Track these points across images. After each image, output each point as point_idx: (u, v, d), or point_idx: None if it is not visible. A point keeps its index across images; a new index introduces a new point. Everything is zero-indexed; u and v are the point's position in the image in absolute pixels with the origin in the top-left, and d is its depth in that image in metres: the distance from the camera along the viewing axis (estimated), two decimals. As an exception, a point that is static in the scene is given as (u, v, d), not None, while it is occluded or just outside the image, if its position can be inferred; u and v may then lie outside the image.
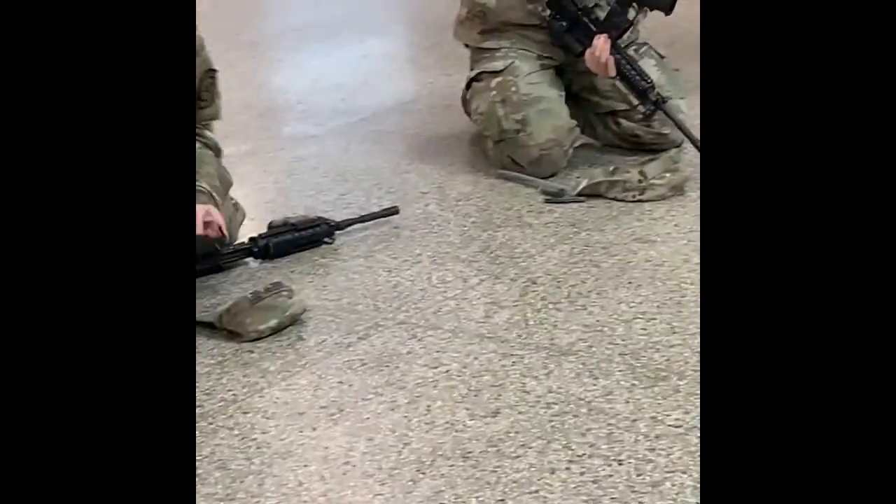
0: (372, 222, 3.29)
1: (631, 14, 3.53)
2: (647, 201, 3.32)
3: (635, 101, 3.55)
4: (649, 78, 3.54)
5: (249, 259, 3.10)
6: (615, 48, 3.48)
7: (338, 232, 3.15)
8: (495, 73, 3.63)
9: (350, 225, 3.16)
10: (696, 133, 3.46)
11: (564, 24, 3.56)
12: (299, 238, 3.09)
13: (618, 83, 3.56)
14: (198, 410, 2.49)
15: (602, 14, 3.60)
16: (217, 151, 3.27)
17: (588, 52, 3.49)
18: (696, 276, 2.80)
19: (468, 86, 3.73)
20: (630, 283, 2.84)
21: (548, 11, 3.60)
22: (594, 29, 3.48)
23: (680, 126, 3.52)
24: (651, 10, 3.80)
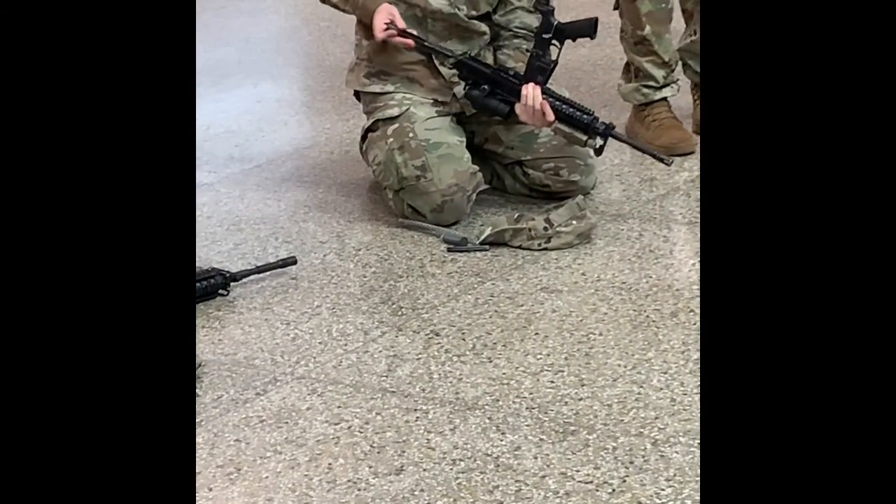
0: (269, 273, 3.26)
1: (553, 53, 3.54)
2: (553, 249, 3.33)
3: (583, 138, 3.51)
4: (590, 110, 3.54)
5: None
6: (545, 92, 3.48)
7: (233, 283, 3.11)
8: (391, 119, 3.63)
9: (246, 276, 3.13)
10: (652, 149, 3.58)
11: (485, 87, 3.57)
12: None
13: (559, 125, 3.52)
14: None
15: (514, 64, 3.62)
16: None
17: (518, 106, 3.50)
18: (605, 327, 2.87)
19: (364, 137, 3.74)
20: (537, 334, 2.85)
21: (461, 84, 3.63)
22: (518, 83, 3.49)
23: (638, 146, 3.58)
24: (574, 40, 3.81)
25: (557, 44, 3.52)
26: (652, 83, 4.10)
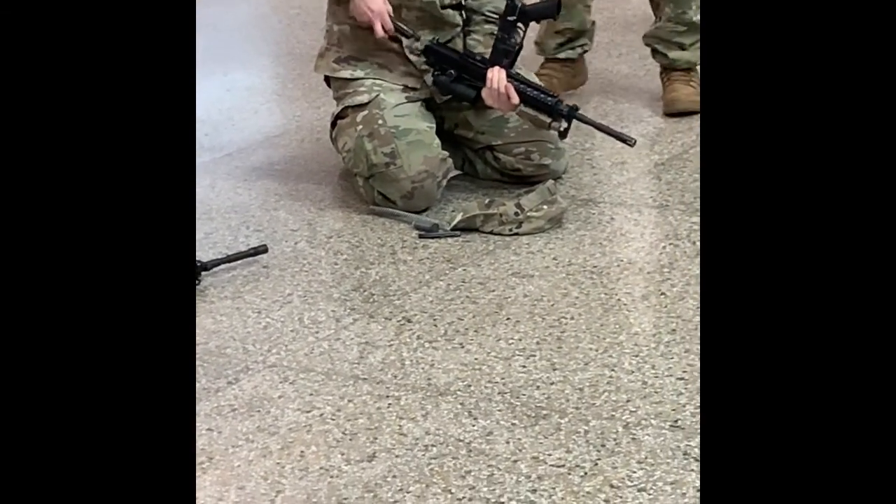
0: (240, 262, 3.27)
1: (518, 35, 3.55)
2: (524, 234, 3.35)
3: (548, 121, 3.52)
4: (554, 93, 3.56)
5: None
6: (510, 76, 3.49)
7: (204, 273, 3.11)
8: (360, 106, 3.64)
9: (217, 265, 3.13)
10: (617, 129, 3.58)
11: (452, 72, 3.59)
12: None
13: (523, 108, 3.54)
14: None
15: (483, 49, 3.63)
16: None
17: (484, 90, 3.52)
18: (576, 311, 2.90)
19: (333, 124, 3.76)
20: (508, 319, 2.86)
21: (429, 71, 3.65)
22: (484, 67, 3.51)
23: (602, 128, 3.58)
24: (539, 21, 3.87)
25: (522, 27, 3.54)
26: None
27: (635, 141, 3.56)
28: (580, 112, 3.53)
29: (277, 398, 2.59)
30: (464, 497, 2.19)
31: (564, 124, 3.50)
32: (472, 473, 2.24)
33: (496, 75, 3.47)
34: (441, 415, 2.45)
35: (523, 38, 3.56)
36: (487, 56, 3.56)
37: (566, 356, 2.67)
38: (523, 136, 3.64)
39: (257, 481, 2.30)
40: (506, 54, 3.50)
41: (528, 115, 3.55)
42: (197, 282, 3.07)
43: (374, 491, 2.25)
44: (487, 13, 3.69)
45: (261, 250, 3.20)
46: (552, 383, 2.55)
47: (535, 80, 3.72)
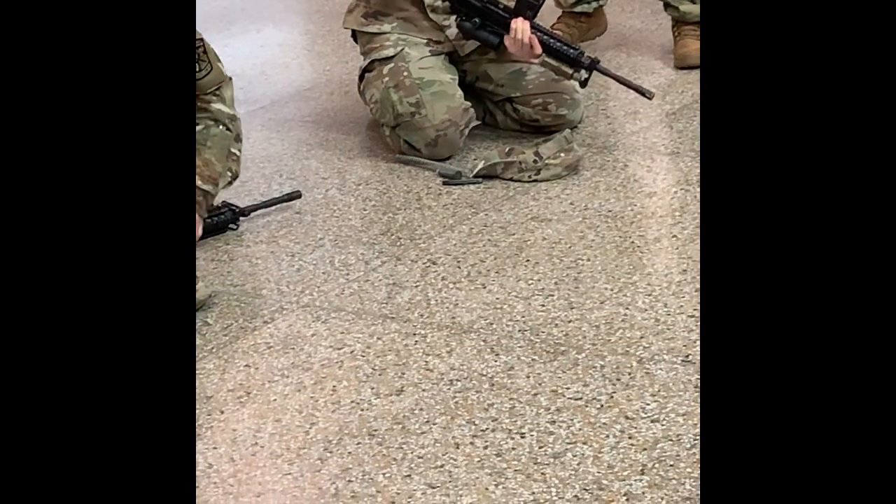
0: (275, 208, 3.29)
1: None
2: (542, 181, 3.35)
3: (570, 71, 3.53)
4: (576, 45, 3.54)
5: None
6: (534, 27, 3.48)
7: (242, 218, 3.14)
8: (386, 59, 3.63)
9: (254, 210, 3.16)
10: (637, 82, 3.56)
11: (476, 20, 3.57)
12: (205, 225, 3.05)
13: (546, 59, 3.54)
14: None
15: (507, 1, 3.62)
16: (230, 122, 3.29)
17: (507, 38, 3.51)
18: (592, 253, 2.90)
19: (361, 77, 3.75)
20: (528, 261, 2.87)
21: (452, 17, 3.64)
22: (507, 16, 3.50)
23: (622, 80, 3.57)
24: None
25: None
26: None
27: (653, 94, 3.56)
28: (601, 64, 3.52)
29: (310, 336, 2.60)
30: (487, 428, 2.20)
31: (585, 75, 3.50)
32: (495, 406, 2.25)
33: (520, 26, 3.46)
34: (465, 351, 2.46)
35: None
36: (511, 6, 3.54)
37: (583, 295, 2.67)
38: (541, 89, 3.65)
39: (292, 414, 2.31)
40: (529, 7, 3.48)
41: (550, 66, 3.54)
42: (235, 227, 3.10)
43: (402, 423, 2.26)
44: None
45: (295, 196, 3.21)
46: (570, 321, 2.56)
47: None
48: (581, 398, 2.27)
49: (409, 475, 2.13)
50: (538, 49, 3.48)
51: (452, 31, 3.64)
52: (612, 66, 3.80)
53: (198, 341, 2.65)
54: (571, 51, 3.50)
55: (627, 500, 2.03)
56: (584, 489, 2.04)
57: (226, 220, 3.10)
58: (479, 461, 2.12)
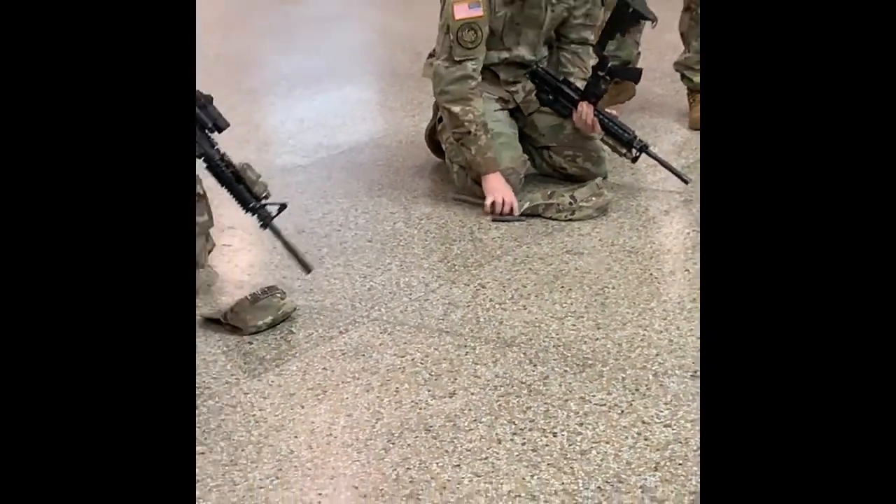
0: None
1: (604, 85, 3.59)
2: (576, 220, 3.33)
3: (622, 151, 3.58)
4: (631, 130, 3.57)
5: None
6: (596, 111, 3.52)
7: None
8: None
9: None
10: (679, 168, 3.57)
11: (550, 96, 3.63)
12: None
13: (605, 138, 3.59)
14: (206, 391, 2.49)
15: (572, 70, 3.69)
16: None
17: (575, 115, 3.54)
18: (617, 282, 2.90)
19: (440, 119, 3.68)
20: (562, 287, 2.85)
21: (519, 85, 3.65)
22: (576, 97, 3.55)
23: (666, 164, 3.58)
24: (622, 80, 3.92)
25: (608, 79, 3.58)
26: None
27: (690, 179, 3.56)
28: (650, 149, 3.57)
29: (378, 345, 2.59)
30: (525, 427, 2.18)
31: (636, 154, 3.54)
32: (532, 409, 2.23)
33: (586, 109, 3.49)
34: (507, 362, 2.44)
35: (607, 87, 3.63)
36: (580, 88, 3.61)
37: (608, 318, 2.64)
38: (573, 143, 3.65)
39: (361, 410, 2.30)
40: (594, 95, 3.53)
41: (608, 143, 3.59)
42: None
43: (454, 420, 2.25)
44: (573, 37, 3.74)
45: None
46: (596, 339, 2.54)
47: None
48: (605, 405, 2.25)
49: (458, 465, 2.12)
50: (598, 129, 3.51)
51: (519, 96, 3.66)
52: (636, 126, 3.79)
53: (283, 347, 2.65)
54: (626, 135, 3.54)
55: (643, 492, 2.01)
56: (606, 482, 2.02)
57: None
58: (517, 455, 2.10)
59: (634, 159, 3.58)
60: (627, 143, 3.54)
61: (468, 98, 3.42)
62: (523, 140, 3.72)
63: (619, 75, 3.74)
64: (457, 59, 3.47)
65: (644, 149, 3.55)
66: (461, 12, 3.48)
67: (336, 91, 5.23)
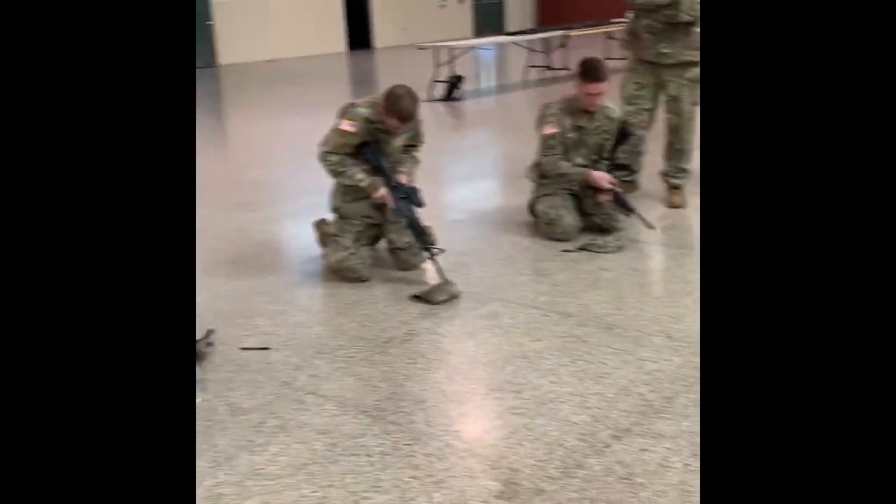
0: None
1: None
2: (607, 253, 3.61)
3: (625, 211, 3.69)
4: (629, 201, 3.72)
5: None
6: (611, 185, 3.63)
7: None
8: (545, 196, 3.87)
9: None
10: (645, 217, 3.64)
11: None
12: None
13: (614, 204, 3.71)
14: (406, 327, 2.86)
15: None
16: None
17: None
18: (624, 282, 3.22)
19: (537, 198, 3.89)
20: (599, 286, 3.19)
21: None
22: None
23: (637, 215, 3.66)
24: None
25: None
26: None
27: (654, 227, 3.73)
28: (637, 212, 3.74)
29: (500, 313, 2.94)
30: (578, 359, 2.53)
31: (630, 213, 3.71)
32: (582, 351, 2.60)
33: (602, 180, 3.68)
34: (568, 325, 2.77)
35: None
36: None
37: (622, 303, 3.02)
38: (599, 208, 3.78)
39: (491, 346, 2.67)
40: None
41: (614, 206, 3.77)
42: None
43: (541, 354, 2.58)
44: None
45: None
46: (616, 315, 2.87)
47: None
48: (621, 350, 2.60)
49: (543, 376, 2.45)
50: (609, 197, 3.66)
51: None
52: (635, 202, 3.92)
53: (452, 312, 2.95)
54: (627, 202, 3.70)
55: (639, 396, 2.36)
56: (622, 388, 2.35)
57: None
58: (574, 372, 2.46)
59: (628, 216, 3.69)
60: (627, 209, 3.68)
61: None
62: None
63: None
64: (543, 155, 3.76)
65: (632, 210, 3.65)
66: (547, 130, 3.74)
67: (470, 184, 5.26)
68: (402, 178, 3.38)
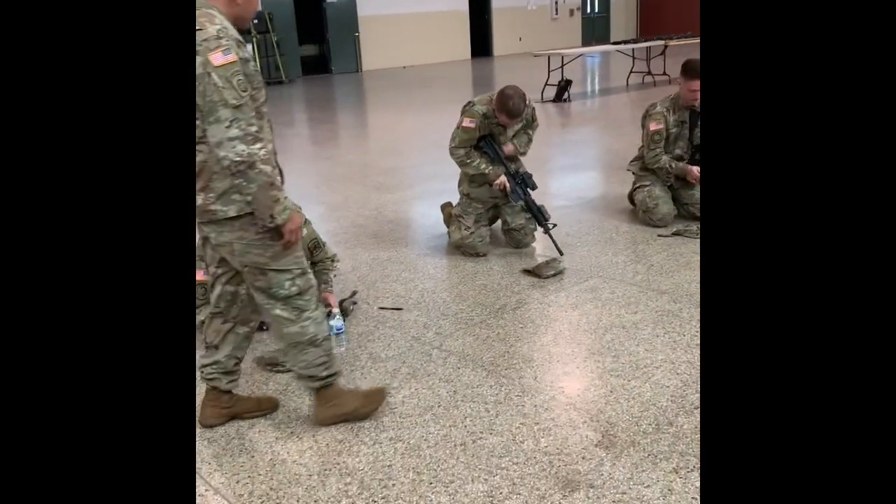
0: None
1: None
2: (697, 238, 3.38)
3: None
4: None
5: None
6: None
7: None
8: (644, 186, 3.71)
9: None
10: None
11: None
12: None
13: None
14: (512, 293, 2.86)
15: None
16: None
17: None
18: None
19: (637, 188, 3.76)
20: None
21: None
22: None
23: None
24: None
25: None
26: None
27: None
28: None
29: (600, 287, 2.92)
30: (654, 333, 2.59)
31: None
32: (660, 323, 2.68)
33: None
34: (664, 300, 2.87)
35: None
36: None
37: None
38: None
39: (592, 315, 2.63)
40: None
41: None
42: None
43: (636, 322, 2.54)
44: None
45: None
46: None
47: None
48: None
49: (611, 340, 2.43)
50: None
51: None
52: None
53: (558, 286, 2.91)
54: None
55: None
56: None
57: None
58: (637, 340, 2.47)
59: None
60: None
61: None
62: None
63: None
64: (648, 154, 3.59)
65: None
66: (652, 126, 3.51)
67: (584, 174, 5.12)
68: (511, 148, 3.25)
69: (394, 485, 1.85)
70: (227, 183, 1.62)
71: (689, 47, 11.48)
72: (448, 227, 3.62)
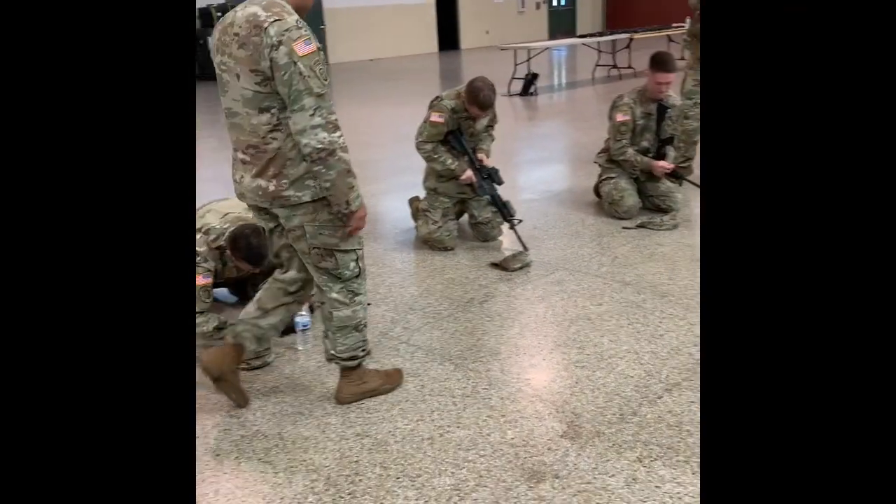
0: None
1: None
2: (661, 230, 3.48)
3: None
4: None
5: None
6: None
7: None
8: (610, 179, 3.72)
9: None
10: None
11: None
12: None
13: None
14: (482, 286, 2.87)
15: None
16: None
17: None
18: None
19: (602, 181, 3.76)
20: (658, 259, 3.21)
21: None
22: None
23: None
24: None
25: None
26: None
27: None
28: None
29: (566, 280, 2.94)
30: (636, 322, 2.62)
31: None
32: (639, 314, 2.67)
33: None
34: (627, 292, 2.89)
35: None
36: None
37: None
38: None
39: (559, 306, 2.66)
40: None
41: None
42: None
43: (602, 315, 2.58)
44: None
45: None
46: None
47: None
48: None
49: (600, 333, 2.46)
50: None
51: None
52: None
53: (525, 278, 2.89)
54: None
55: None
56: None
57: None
58: (626, 327, 2.48)
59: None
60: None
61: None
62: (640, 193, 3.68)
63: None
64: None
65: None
66: (619, 118, 3.48)
67: (550, 167, 5.17)
68: (482, 158, 3.31)
69: (361, 480, 1.86)
70: (301, 169, 1.69)
71: (654, 40, 11.57)
72: (415, 221, 3.63)
